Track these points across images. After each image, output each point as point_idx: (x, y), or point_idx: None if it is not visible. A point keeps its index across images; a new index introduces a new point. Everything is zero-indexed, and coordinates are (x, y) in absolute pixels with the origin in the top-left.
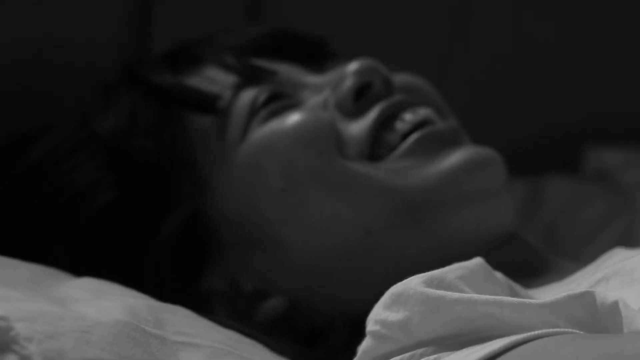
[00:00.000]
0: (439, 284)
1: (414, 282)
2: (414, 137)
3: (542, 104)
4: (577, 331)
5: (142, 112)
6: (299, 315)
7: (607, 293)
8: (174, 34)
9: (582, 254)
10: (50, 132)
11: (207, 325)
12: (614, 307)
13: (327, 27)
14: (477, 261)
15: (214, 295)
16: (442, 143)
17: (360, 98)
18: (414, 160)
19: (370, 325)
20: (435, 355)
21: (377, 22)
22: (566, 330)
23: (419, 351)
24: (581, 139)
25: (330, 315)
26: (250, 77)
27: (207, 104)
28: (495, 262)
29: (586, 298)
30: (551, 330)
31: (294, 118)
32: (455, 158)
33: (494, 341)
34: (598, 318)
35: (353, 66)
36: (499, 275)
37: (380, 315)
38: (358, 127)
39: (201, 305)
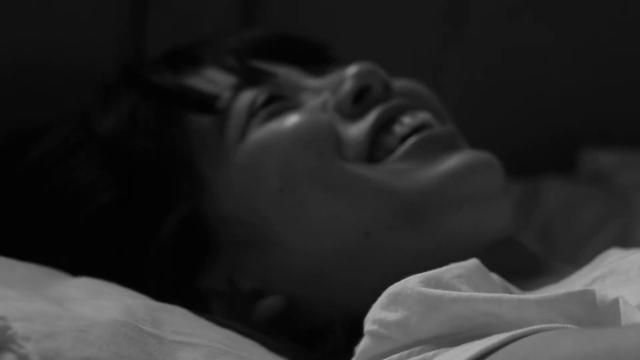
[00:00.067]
0: (437, 283)
1: (412, 282)
2: (412, 140)
3: (538, 105)
4: (576, 327)
5: (142, 112)
6: (297, 315)
7: (607, 291)
8: (170, 36)
9: (578, 255)
10: (49, 132)
11: (205, 325)
12: (614, 304)
13: (321, 30)
14: (474, 261)
15: (212, 295)
16: (440, 147)
17: (359, 101)
18: (412, 163)
19: (368, 325)
20: (434, 351)
21: (373, 24)
22: (565, 326)
23: (417, 348)
24: (577, 141)
25: (328, 315)
26: (249, 78)
27: (206, 104)
28: (492, 265)
29: (585, 296)
30: (550, 325)
31: (293, 119)
32: (453, 161)
33: (494, 336)
34: (596, 315)
35: (352, 69)
36: (494, 276)
37: (378, 315)
38: (357, 130)
39: (199, 304)
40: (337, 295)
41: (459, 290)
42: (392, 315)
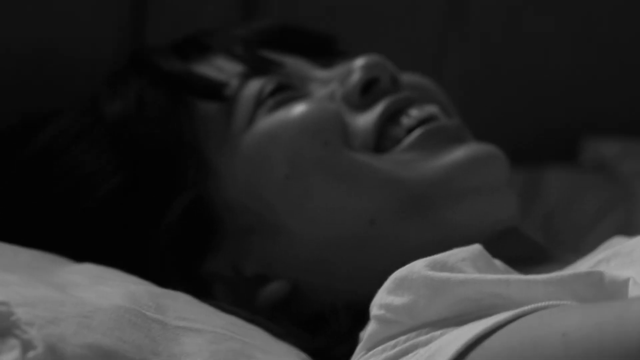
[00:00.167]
0: (442, 266)
1: (417, 266)
2: (419, 131)
3: (540, 95)
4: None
5: (150, 98)
6: (300, 301)
7: (616, 272)
8: (169, 32)
9: (581, 243)
10: (56, 117)
11: (209, 311)
12: (624, 284)
13: (321, 25)
14: (477, 247)
15: (216, 280)
16: (446, 138)
17: (367, 92)
18: (419, 154)
19: (375, 310)
20: (442, 330)
21: (372, 17)
22: (572, 303)
23: (425, 330)
24: (579, 130)
25: (332, 302)
26: (257, 67)
27: (214, 91)
28: (495, 253)
29: (591, 277)
30: (557, 302)
31: (300, 108)
32: (459, 153)
33: (502, 313)
34: (603, 296)
35: (361, 61)
36: (497, 262)
37: (384, 299)
38: (364, 120)
39: (203, 289)
40: (340, 282)
41: (464, 273)
42: (398, 300)
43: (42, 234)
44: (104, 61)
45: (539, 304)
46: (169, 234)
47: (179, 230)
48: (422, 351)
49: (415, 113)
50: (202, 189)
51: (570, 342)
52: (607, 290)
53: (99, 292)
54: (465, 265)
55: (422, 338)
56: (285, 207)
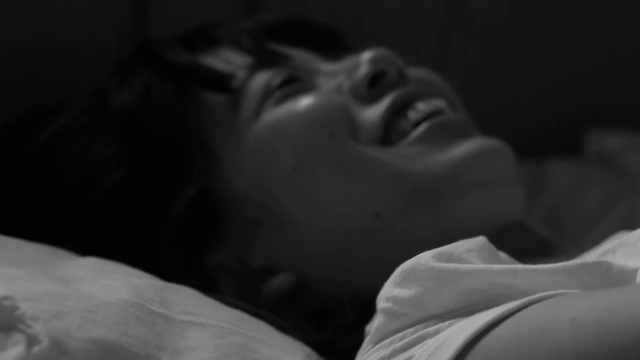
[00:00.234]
0: (449, 258)
1: (424, 258)
2: (425, 125)
3: (544, 88)
4: None
5: (157, 89)
6: (305, 294)
7: (625, 261)
8: (172, 25)
9: (586, 236)
10: (63, 109)
11: (213, 305)
12: (632, 274)
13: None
14: (481, 239)
15: (221, 272)
16: (453, 132)
17: (374, 86)
18: (425, 147)
19: (382, 303)
20: (450, 321)
21: (374, 12)
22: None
23: (433, 321)
24: (583, 123)
25: (337, 295)
26: (265, 59)
27: (221, 82)
28: (501, 247)
29: (598, 267)
30: (565, 291)
31: (307, 100)
32: (466, 147)
33: (510, 302)
34: (610, 286)
35: (368, 54)
36: (502, 254)
37: (391, 292)
38: (371, 113)
39: (208, 282)
40: (346, 275)
41: (471, 263)
42: (405, 292)
43: (49, 226)
44: (107, 54)
45: (547, 293)
46: (174, 226)
47: (185, 222)
48: (430, 342)
49: (422, 107)
50: (208, 180)
51: (580, 327)
52: (615, 279)
53: (103, 285)
54: (471, 256)
55: (430, 329)
56: (292, 199)
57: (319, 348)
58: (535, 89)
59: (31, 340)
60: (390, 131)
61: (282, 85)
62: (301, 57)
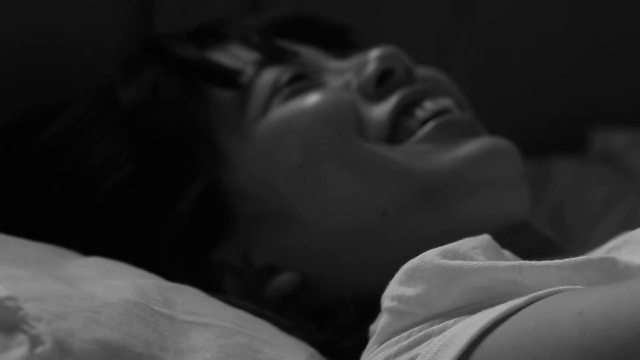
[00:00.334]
0: (454, 255)
1: (429, 256)
2: (432, 123)
3: (548, 86)
4: None
5: (165, 84)
6: (310, 293)
7: (631, 258)
8: (177, 24)
9: (589, 234)
10: (70, 105)
11: (217, 305)
12: (638, 270)
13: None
14: (485, 236)
15: (225, 269)
16: (460, 132)
17: (382, 84)
18: (432, 146)
19: (387, 302)
20: (456, 319)
21: (377, 11)
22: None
23: (438, 319)
24: (587, 122)
25: (341, 294)
26: (273, 56)
27: (229, 78)
28: (505, 246)
29: (605, 263)
30: (571, 287)
31: (315, 97)
32: (472, 146)
33: (517, 299)
34: (616, 281)
35: (376, 52)
36: (506, 252)
37: (396, 291)
38: (378, 111)
39: (212, 280)
40: (351, 274)
41: (476, 261)
42: (411, 290)
43: (55, 224)
44: (108, 54)
45: (553, 289)
46: (181, 222)
47: (191, 219)
48: (436, 340)
49: (429, 105)
50: (214, 177)
51: (586, 321)
52: (621, 275)
53: (107, 285)
54: (476, 254)
55: (436, 327)
56: (298, 197)
57: (322, 348)
58: (538, 88)
59: (34, 341)
60: (397, 129)
61: (290, 82)
62: (309, 54)
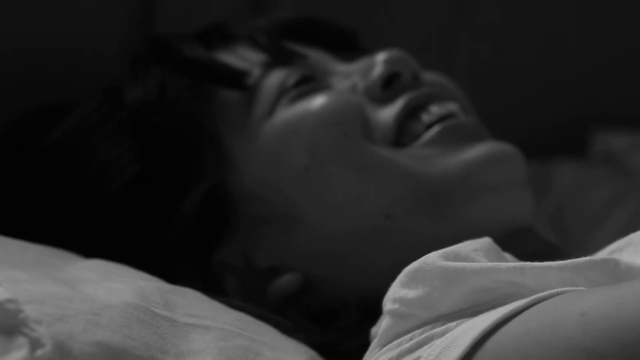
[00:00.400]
0: (456, 257)
1: (431, 258)
2: (438, 127)
3: (549, 87)
4: None
5: (172, 85)
6: (311, 295)
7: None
8: (178, 26)
9: (590, 236)
10: (77, 105)
11: (217, 307)
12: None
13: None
14: (487, 239)
15: (227, 270)
16: (465, 136)
17: (388, 87)
18: (437, 150)
19: (389, 304)
20: (458, 321)
21: (378, 12)
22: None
23: (440, 322)
24: (588, 123)
25: (343, 296)
26: (280, 57)
27: (236, 79)
28: (508, 249)
29: (607, 264)
30: (573, 288)
31: (321, 99)
32: (477, 151)
33: (518, 300)
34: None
35: (383, 55)
36: (507, 255)
37: (398, 293)
38: (385, 114)
39: (214, 281)
40: (353, 276)
41: (478, 262)
42: (413, 293)
43: (60, 225)
44: (108, 54)
45: (555, 290)
46: (185, 223)
47: (195, 219)
48: (438, 342)
49: (435, 109)
50: (219, 177)
51: (588, 322)
52: (623, 277)
53: (108, 288)
54: (477, 256)
55: (438, 329)
56: (303, 198)
57: (323, 350)
58: (539, 89)
59: (35, 344)
60: (403, 132)
61: (297, 84)
62: (316, 56)
